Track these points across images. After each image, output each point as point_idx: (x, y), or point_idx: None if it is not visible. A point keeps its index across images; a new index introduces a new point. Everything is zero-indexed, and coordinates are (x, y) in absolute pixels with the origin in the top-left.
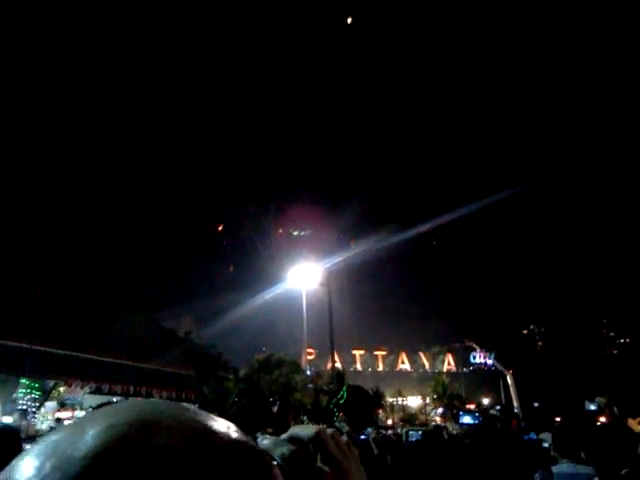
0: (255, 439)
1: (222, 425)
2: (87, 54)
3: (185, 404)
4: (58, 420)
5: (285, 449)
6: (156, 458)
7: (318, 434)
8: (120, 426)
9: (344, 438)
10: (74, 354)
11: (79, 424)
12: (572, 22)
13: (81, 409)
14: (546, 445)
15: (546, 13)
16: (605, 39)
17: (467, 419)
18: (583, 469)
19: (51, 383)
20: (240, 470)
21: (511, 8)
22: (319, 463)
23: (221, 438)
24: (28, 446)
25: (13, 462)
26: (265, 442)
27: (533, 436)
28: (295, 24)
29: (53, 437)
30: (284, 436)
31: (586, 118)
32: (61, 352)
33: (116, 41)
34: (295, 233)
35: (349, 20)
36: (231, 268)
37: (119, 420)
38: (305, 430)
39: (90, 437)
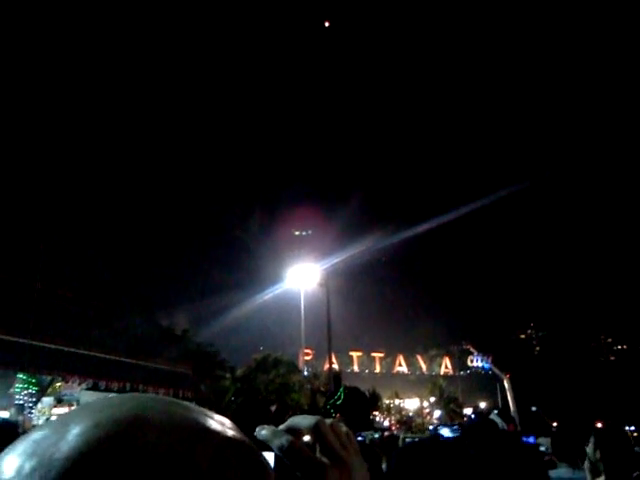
0: (254, 435)
1: (217, 422)
2: (87, 55)
3: (176, 399)
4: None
5: (283, 440)
6: (145, 459)
7: (317, 424)
8: (106, 425)
9: (344, 429)
10: (72, 350)
11: (63, 421)
12: (572, 22)
13: (78, 405)
14: (543, 449)
15: (547, 13)
16: (604, 41)
17: (446, 432)
18: (581, 474)
19: (48, 379)
20: (236, 471)
21: (513, 8)
22: (318, 454)
23: (216, 436)
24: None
25: None
26: (263, 432)
27: (532, 440)
28: (297, 24)
29: (36, 435)
30: (282, 426)
31: (585, 121)
32: (59, 347)
33: (115, 42)
34: (294, 233)
35: (326, 23)
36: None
37: (105, 418)
38: (304, 420)
39: (73, 436)
